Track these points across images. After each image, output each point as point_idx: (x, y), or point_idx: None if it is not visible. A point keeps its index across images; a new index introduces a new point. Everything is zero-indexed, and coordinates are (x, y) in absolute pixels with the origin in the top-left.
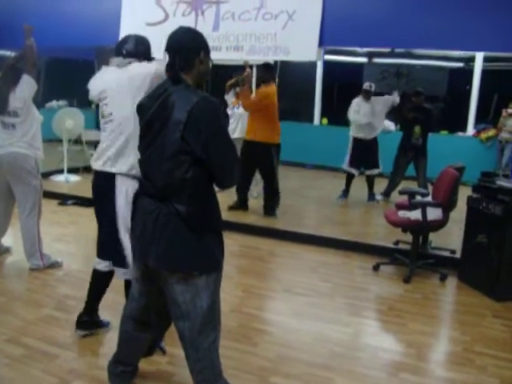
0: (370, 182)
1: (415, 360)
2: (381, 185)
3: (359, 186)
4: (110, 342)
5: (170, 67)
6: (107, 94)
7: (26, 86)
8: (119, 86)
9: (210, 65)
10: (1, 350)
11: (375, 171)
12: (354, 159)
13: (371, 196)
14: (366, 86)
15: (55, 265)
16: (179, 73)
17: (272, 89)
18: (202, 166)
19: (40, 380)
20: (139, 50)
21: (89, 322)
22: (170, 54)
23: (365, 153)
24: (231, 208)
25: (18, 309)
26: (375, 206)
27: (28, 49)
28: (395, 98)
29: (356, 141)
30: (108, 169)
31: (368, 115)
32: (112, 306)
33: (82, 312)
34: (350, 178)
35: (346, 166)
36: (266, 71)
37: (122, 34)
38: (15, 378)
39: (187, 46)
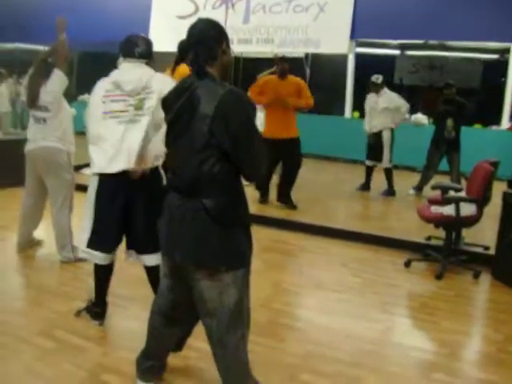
0: (386, 175)
1: (448, 360)
2: (413, 179)
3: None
4: (139, 336)
5: (193, 61)
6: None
7: (57, 81)
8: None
9: (232, 55)
10: (33, 342)
11: (378, 164)
12: (367, 151)
13: (386, 190)
14: (373, 78)
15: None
16: (204, 66)
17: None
18: (229, 160)
19: (70, 374)
20: (150, 51)
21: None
22: (193, 47)
23: (371, 146)
24: (261, 202)
25: (49, 302)
26: (406, 201)
27: (60, 43)
28: (404, 112)
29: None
30: None
31: (369, 108)
32: (142, 300)
33: (97, 303)
34: (367, 170)
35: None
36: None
37: (152, 28)
38: (46, 371)
39: (209, 37)
